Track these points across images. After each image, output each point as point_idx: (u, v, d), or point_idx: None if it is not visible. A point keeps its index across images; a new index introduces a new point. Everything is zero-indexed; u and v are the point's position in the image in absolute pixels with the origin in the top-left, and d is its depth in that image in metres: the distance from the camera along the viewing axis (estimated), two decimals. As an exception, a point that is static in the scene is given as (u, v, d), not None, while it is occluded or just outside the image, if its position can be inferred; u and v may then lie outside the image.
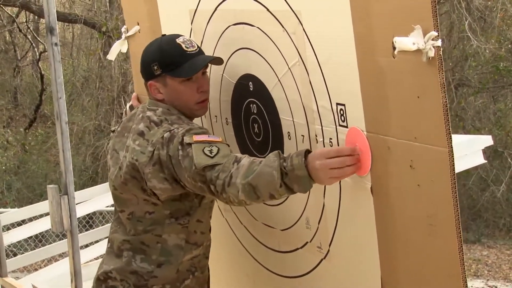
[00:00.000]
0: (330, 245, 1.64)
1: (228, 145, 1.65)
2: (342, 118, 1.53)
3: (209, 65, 1.87)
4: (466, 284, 1.30)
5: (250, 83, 1.82)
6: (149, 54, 1.77)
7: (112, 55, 2.33)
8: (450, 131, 1.30)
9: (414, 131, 1.35)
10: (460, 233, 1.30)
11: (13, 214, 5.69)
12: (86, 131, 10.82)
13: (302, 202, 1.72)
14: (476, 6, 8.86)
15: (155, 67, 1.74)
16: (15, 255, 6.04)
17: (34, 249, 6.09)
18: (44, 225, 4.97)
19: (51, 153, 10.77)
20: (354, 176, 1.52)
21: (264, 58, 1.74)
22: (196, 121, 2.11)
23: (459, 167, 2.97)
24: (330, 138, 1.58)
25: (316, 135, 1.63)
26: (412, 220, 1.40)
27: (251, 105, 1.84)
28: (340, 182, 1.57)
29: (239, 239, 2.06)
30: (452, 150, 1.29)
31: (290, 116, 1.70)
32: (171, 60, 1.73)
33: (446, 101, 1.30)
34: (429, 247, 1.37)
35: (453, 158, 1.29)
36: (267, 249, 1.88)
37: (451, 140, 1.29)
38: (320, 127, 1.61)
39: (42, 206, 4.89)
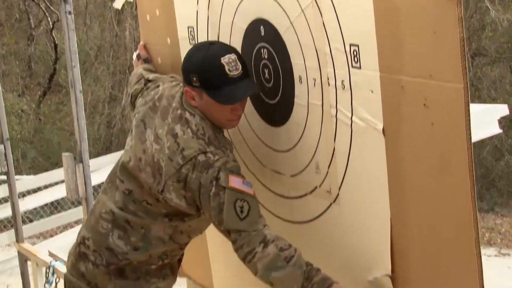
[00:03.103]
0: (339, 189, 1.62)
1: (257, 200, 1.64)
2: (355, 59, 1.50)
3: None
4: (477, 222, 1.28)
5: (261, 27, 1.79)
6: (191, 63, 1.70)
7: (118, 4, 2.30)
8: (466, 67, 1.26)
9: (429, 68, 1.32)
10: (472, 171, 1.27)
11: (28, 181, 5.73)
12: (99, 100, 10.84)
13: (312, 147, 1.69)
14: (495, -25, 8.68)
15: (194, 79, 1.67)
16: (31, 221, 6.08)
17: (50, 216, 6.14)
18: (59, 192, 5.01)
19: (66, 122, 10.81)
20: (365, 117, 1.49)
21: (276, 1, 1.70)
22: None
23: (474, 136, 2.91)
24: (343, 81, 1.55)
25: (328, 78, 1.59)
26: (424, 160, 1.37)
27: (262, 50, 1.80)
28: (351, 125, 1.54)
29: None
30: (467, 85, 1.26)
31: (302, 60, 1.67)
32: (210, 80, 1.66)
33: (463, 36, 1.26)
34: (441, 186, 1.34)
35: (468, 95, 1.26)
36: (275, 195, 1.86)
37: (467, 76, 1.26)
38: (333, 69, 1.57)
39: (57, 174, 4.93)
